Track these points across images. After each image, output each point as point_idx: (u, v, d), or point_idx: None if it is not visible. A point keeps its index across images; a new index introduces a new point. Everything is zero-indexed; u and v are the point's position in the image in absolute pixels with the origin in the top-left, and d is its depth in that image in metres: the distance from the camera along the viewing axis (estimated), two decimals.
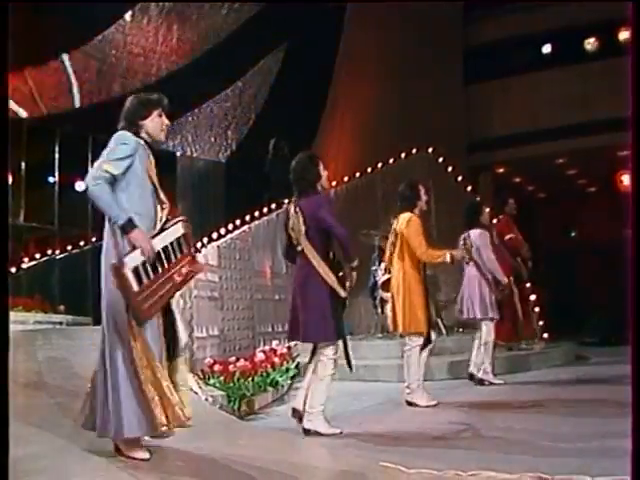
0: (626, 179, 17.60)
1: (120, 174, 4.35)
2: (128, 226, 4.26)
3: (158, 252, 4.35)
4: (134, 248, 4.26)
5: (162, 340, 4.40)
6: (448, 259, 7.14)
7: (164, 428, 4.24)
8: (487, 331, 8.52)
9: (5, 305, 3.03)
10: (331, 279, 5.66)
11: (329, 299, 5.69)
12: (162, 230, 4.46)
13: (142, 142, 4.52)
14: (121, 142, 4.42)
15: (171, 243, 4.45)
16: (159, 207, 4.51)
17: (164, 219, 4.51)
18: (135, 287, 4.21)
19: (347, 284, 5.73)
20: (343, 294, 5.69)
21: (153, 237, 4.37)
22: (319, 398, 5.77)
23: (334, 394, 6.10)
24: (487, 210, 8.89)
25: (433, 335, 7.25)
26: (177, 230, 4.52)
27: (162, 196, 4.55)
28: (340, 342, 5.81)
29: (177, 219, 4.58)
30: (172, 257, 4.42)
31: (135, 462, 4.27)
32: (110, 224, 4.39)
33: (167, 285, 4.35)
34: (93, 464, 4.21)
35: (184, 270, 4.46)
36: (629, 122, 2.65)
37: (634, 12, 2.70)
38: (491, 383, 8.44)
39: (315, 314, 5.71)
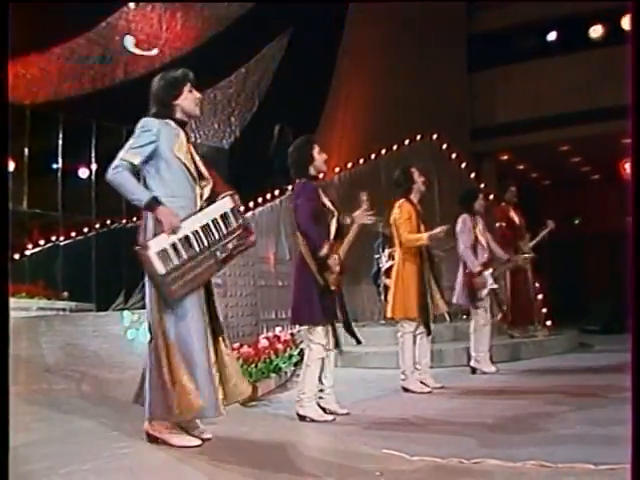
0: (629, 167, 17.56)
1: (141, 162, 4.43)
2: (152, 204, 4.32)
3: (196, 231, 4.38)
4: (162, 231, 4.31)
5: (205, 320, 4.46)
6: (426, 240, 7.21)
7: (177, 416, 4.31)
8: (474, 319, 8.52)
9: (5, 294, 3.03)
10: (313, 266, 5.71)
11: (312, 285, 5.72)
12: (202, 208, 4.51)
13: (172, 123, 4.59)
14: (143, 129, 4.48)
15: (214, 220, 4.45)
16: (197, 185, 4.54)
17: (206, 195, 4.55)
18: (161, 270, 4.23)
19: (329, 273, 5.68)
20: (321, 282, 5.68)
21: (189, 216, 4.40)
22: (309, 384, 5.81)
23: (337, 381, 6.12)
24: (481, 197, 8.82)
25: (432, 323, 7.29)
26: (222, 206, 4.53)
27: (204, 172, 4.60)
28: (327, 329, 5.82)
29: (225, 194, 4.58)
30: (215, 234, 4.43)
31: (138, 446, 4.29)
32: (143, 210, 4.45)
33: (205, 263, 4.37)
34: (96, 449, 4.22)
35: (230, 245, 4.46)
36: (629, 110, 2.64)
37: (634, 6, 2.69)
38: (483, 372, 8.42)
39: (297, 299, 5.85)
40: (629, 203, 2.62)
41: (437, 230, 7.19)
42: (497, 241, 9.11)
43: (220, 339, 4.59)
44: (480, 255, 8.49)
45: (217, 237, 4.42)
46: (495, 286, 8.56)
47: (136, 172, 4.45)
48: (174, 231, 4.29)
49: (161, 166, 4.46)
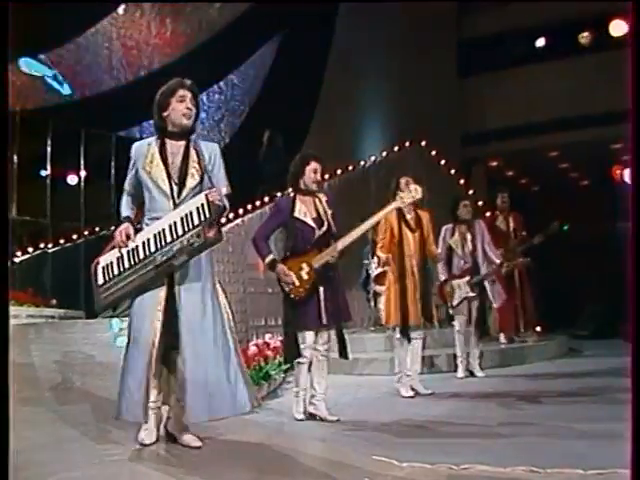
0: (620, 173, 17.61)
1: (132, 186, 4.79)
2: (120, 223, 4.66)
3: (148, 239, 4.52)
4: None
5: (156, 329, 4.45)
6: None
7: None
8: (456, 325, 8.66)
9: (5, 299, 3.07)
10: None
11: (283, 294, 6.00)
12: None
13: (148, 140, 4.82)
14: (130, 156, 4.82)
15: (174, 223, 4.50)
16: (170, 194, 4.60)
17: (183, 196, 4.63)
18: (100, 280, 4.55)
19: (284, 284, 5.90)
20: (281, 289, 5.96)
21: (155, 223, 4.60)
22: (298, 384, 6.07)
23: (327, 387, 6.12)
24: (464, 204, 8.83)
25: (414, 329, 7.34)
26: (187, 206, 4.56)
27: (189, 175, 4.67)
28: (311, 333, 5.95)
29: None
30: (167, 238, 4.48)
31: (127, 452, 4.29)
32: None
33: (142, 270, 4.47)
34: (85, 456, 4.22)
35: (177, 246, 4.45)
36: (629, 116, 2.65)
37: (634, 8, 2.70)
38: (459, 377, 8.53)
39: None
40: (630, 206, 2.62)
41: (383, 258, 7.42)
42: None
43: (176, 352, 4.49)
44: (456, 264, 8.61)
45: (169, 240, 4.47)
46: (471, 294, 8.58)
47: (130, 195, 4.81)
48: (126, 245, 4.54)
49: (142, 185, 4.69)
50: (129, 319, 4.58)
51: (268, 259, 5.96)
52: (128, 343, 4.52)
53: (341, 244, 5.96)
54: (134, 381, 4.39)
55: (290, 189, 6.24)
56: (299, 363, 5.95)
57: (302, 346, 5.87)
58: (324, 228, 5.96)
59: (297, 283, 5.82)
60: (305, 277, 5.83)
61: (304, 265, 5.84)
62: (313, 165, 6.04)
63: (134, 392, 4.38)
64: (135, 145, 4.81)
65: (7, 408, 2.90)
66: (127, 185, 4.79)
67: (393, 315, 7.34)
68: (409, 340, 7.31)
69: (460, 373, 8.59)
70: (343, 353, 6.12)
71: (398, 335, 7.34)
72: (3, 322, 2.99)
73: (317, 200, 6.08)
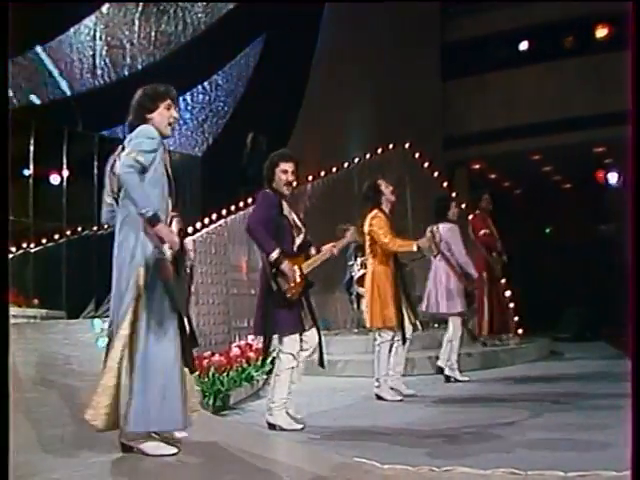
0: (603, 176, 17.72)
1: (147, 167, 4.29)
2: (154, 219, 4.20)
3: None
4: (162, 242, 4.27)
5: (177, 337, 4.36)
6: (414, 248, 7.21)
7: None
8: (454, 327, 8.53)
9: (5, 299, 3.05)
10: (268, 271, 5.72)
11: (264, 293, 5.81)
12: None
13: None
14: (147, 136, 4.36)
15: None
16: (170, 198, 4.49)
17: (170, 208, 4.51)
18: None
19: (284, 281, 5.68)
20: (274, 287, 5.68)
21: None
22: (279, 393, 5.79)
23: (309, 389, 6.14)
24: (455, 204, 8.83)
25: (409, 330, 7.33)
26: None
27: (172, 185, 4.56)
28: (303, 337, 5.86)
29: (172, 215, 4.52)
30: None
31: (108, 454, 4.26)
32: (125, 218, 4.35)
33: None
34: (66, 458, 4.19)
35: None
36: (630, 119, 2.66)
37: (634, 9, 2.71)
38: (457, 380, 8.47)
39: (256, 308, 5.93)
40: (629, 207, 2.63)
41: (424, 240, 7.22)
42: (477, 250, 9.18)
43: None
44: None
45: None
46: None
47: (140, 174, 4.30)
48: (172, 248, 4.28)
49: (150, 179, 4.32)
50: (138, 327, 4.27)
51: (275, 254, 5.62)
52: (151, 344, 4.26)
53: (329, 249, 5.98)
54: (172, 387, 4.25)
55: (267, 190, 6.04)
56: (286, 370, 5.78)
57: (289, 351, 5.78)
58: (303, 233, 5.93)
59: (294, 283, 5.75)
60: (298, 279, 5.79)
61: (295, 268, 5.76)
62: (282, 166, 5.88)
63: (175, 399, 4.25)
64: (156, 133, 4.42)
65: (7, 408, 2.88)
66: (146, 162, 4.28)
67: (391, 317, 7.22)
68: (404, 341, 7.32)
69: (456, 375, 8.54)
70: (322, 361, 6.07)
71: (389, 337, 7.30)
72: (3, 323, 2.97)
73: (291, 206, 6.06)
